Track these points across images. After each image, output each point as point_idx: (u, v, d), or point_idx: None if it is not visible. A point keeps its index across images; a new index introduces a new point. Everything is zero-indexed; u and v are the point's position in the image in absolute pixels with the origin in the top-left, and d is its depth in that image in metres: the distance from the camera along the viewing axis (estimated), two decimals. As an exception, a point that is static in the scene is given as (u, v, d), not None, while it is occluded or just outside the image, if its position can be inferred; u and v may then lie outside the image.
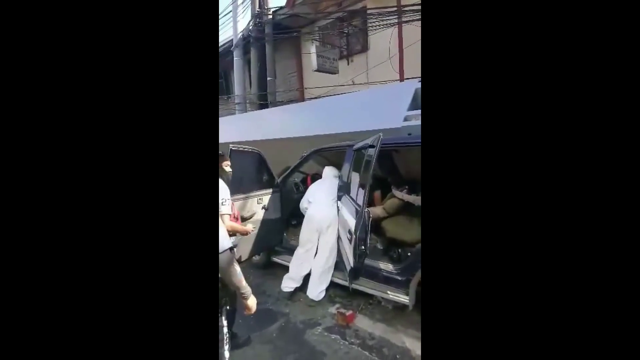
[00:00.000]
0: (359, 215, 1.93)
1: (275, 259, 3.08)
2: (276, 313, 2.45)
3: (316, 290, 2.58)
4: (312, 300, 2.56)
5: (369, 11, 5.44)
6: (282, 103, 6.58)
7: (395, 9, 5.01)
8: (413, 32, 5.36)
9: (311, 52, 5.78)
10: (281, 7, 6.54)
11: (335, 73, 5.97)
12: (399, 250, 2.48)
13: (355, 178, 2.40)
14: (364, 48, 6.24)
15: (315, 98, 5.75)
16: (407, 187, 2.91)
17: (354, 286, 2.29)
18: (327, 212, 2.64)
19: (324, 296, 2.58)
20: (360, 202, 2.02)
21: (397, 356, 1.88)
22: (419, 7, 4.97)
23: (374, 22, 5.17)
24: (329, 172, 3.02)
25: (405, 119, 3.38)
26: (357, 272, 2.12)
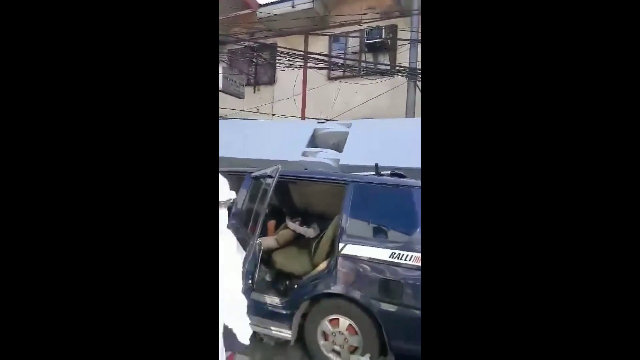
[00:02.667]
0: (249, 247, 1.86)
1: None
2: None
3: None
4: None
5: (278, 49, 5.77)
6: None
7: (303, 53, 5.49)
8: (316, 77, 5.96)
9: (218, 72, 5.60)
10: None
11: (240, 97, 5.92)
12: (287, 282, 2.48)
13: (250, 206, 2.34)
14: (271, 81, 6.49)
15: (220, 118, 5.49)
16: (300, 218, 3.02)
17: (236, 324, 2.12)
18: None
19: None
20: (252, 232, 1.96)
21: (275, 398, 1.80)
22: (325, 58, 5.61)
23: (282, 59, 5.49)
24: None
25: (304, 154, 3.61)
26: (241, 308, 1.99)
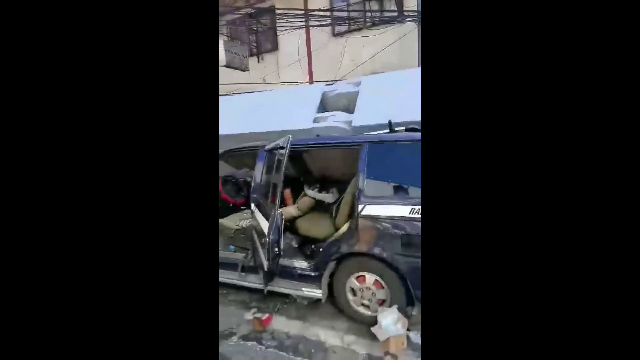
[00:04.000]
0: (272, 217, 1.93)
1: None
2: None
3: None
4: (226, 310, 2.43)
5: (277, 11, 5.45)
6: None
7: (303, 12, 5.16)
8: (320, 36, 5.63)
9: (219, 47, 5.44)
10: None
11: (245, 70, 5.78)
12: (312, 247, 2.58)
13: (268, 179, 2.39)
14: (274, 47, 6.23)
15: (225, 95, 5.46)
16: (317, 185, 3.05)
17: (270, 288, 2.28)
18: None
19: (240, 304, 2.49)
20: (272, 202, 2.02)
21: (312, 350, 1.96)
22: (327, 13, 5.25)
23: (282, 22, 5.21)
24: None
25: (315, 121, 3.54)
26: (271, 274, 2.12)
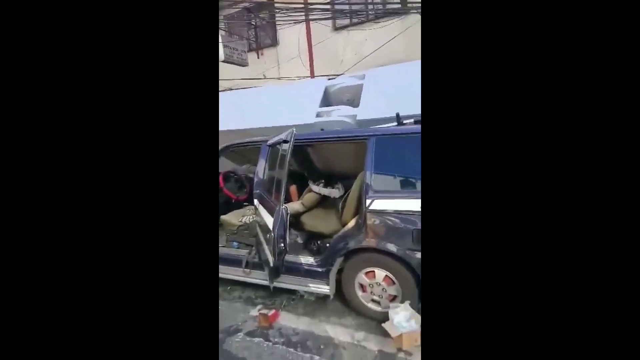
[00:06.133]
0: (276, 212, 1.88)
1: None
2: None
3: None
4: (231, 307, 2.39)
5: (276, 5, 5.35)
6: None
7: (302, 5, 5.08)
8: (321, 30, 5.55)
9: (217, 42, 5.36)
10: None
11: (244, 65, 5.70)
12: (318, 242, 2.53)
13: (271, 174, 2.33)
14: (274, 42, 6.14)
15: (224, 90, 5.38)
16: (322, 180, 3.00)
17: (276, 284, 2.24)
18: None
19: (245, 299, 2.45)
20: (277, 199, 1.96)
21: (321, 346, 1.92)
22: (328, 6, 5.16)
23: (281, 16, 5.12)
24: None
25: (318, 115, 3.48)
26: (277, 270, 2.07)
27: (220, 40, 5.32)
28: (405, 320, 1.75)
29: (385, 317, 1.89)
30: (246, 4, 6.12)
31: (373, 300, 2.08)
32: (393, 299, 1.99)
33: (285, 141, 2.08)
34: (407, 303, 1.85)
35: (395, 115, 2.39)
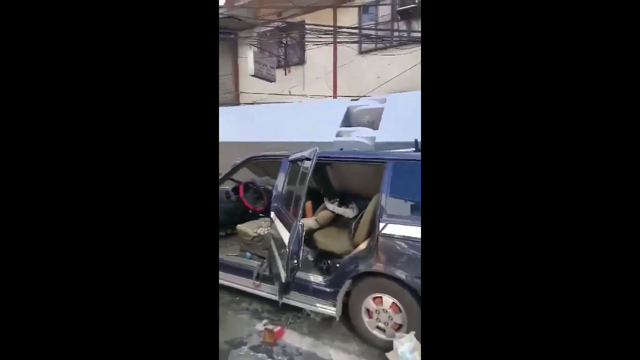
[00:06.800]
0: (293, 228, 1.92)
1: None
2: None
3: None
4: (237, 318, 2.41)
5: (307, 26, 5.61)
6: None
7: (332, 28, 5.29)
8: (346, 53, 5.73)
9: (248, 57, 5.64)
10: (220, 7, 6.25)
11: (272, 81, 5.94)
12: (329, 262, 2.54)
13: (290, 189, 2.39)
14: (301, 61, 6.38)
15: (251, 104, 5.61)
16: (337, 199, 3.03)
17: (284, 300, 2.25)
18: None
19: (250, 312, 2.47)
20: (294, 214, 2.01)
21: (323, 369, 1.90)
22: (355, 31, 5.36)
23: (311, 37, 5.35)
24: None
25: (338, 135, 3.55)
26: (288, 286, 2.09)
27: (251, 56, 5.60)
28: (409, 351, 1.72)
29: (388, 346, 1.86)
30: (279, 24, 6.44)
31: (378, 327, 2.05)
32: (399, 327, 1.96)
33: (307, 159, 2.14)
34: (412, 334, 1.82)
35: (413, 141, 2.42)
